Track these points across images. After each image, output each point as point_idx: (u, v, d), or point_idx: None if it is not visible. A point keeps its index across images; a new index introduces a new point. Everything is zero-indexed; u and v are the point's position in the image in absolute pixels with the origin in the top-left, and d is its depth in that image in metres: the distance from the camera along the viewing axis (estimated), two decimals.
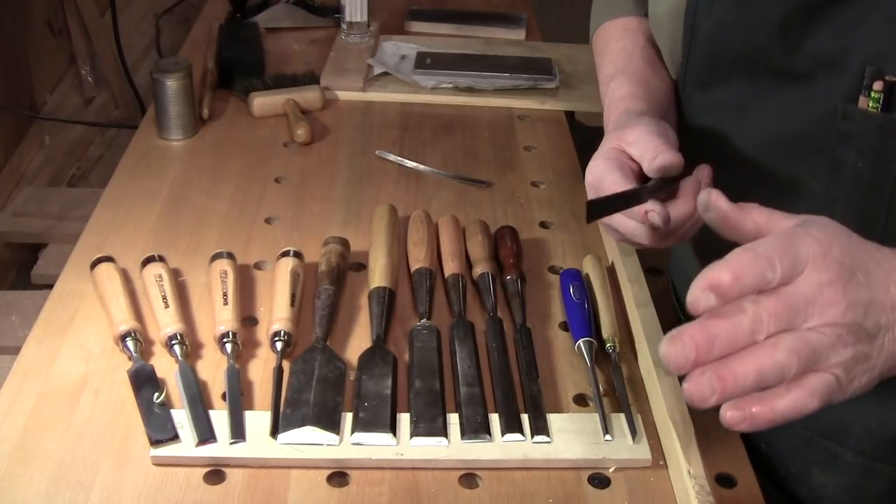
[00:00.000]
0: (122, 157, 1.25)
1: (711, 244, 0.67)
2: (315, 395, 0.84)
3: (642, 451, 0.82)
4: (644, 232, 0.81)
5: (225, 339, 0.90)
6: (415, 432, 0.82)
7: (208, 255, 1.01)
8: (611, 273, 1.04)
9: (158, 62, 1.31)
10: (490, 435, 0.83)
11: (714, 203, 0.66)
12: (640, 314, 0.94)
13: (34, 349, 0.91)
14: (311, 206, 1.16)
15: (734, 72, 0.85)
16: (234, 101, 1.40)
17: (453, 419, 0.84)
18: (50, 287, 1.00)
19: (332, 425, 0.82)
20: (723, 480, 0.82)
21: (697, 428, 0.80)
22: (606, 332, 0.94)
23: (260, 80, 1.41)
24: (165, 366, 0.89)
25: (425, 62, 1.50)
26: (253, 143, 1.30)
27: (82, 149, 2.04)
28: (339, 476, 0.80)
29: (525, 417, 0.84)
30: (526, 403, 0.86)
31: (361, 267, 1.04)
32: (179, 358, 0.89)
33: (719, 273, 0.58)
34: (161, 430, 0.81)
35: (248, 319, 0.96)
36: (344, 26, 1.59)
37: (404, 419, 0.84)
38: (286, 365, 0.89)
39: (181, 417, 0.83)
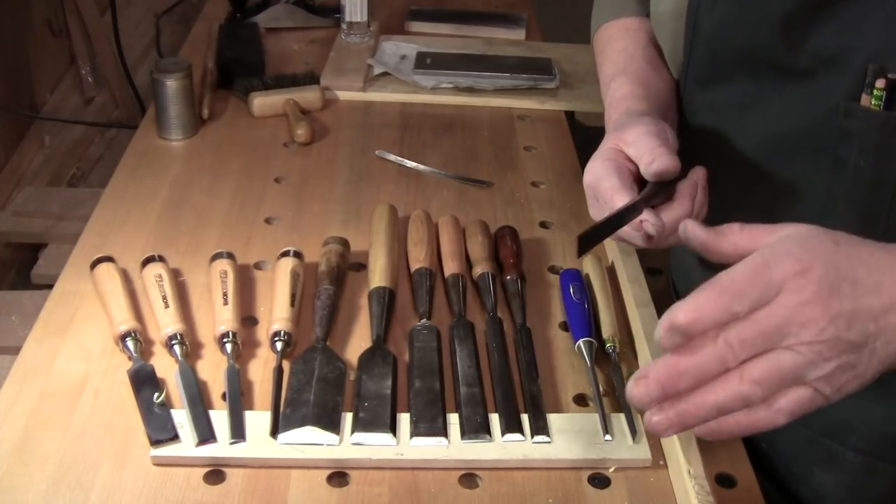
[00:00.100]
0: (122, 157, 1.25)
1: None
2: (315, 395, 0.84)
3: (642, 451, 0.82)
4: (640, 237, 0.81)
5: (225, 339, 0.90)
6: (415, 432, 0.82)
7: (208, 255, 1.01)
8: (611, 273, 1.04)
9: (158, 62, 1.31)
10: (490, 435, 0.82)
11: (691, 233, 0.68)
12: (640, 314, 0.94)
13: (34, 349, 0.91)
14: (311, 206, 1.16)
15: (736, 70, 0.85)
16: (234, 101, 1.40)
17: (453, 419, 0.84)
18: (50, 287, 1.00)
19: (332, 425, 0.82)
20: (723, 480, 0.82)
21: None
22: (606, 332, 0.93)
23: (260, 80, 1.41)
24: (165, 366, 0.89)
25: (425, 62, 1.50)
26: (253, 143, 1.30)
27: (82, 149, 2.04)
28: (339, 476, 0.80)
29: (525, 417, 0.84)
30: (526, 403, 0.86)
31: (361, 267, 1.04)
32: (179, 358, 0.88)
33: (683, 314, 0.59)
34: (161, 430, 0.81)
35: (248, 319, 0.96)
36: (344, 26, 1.59)
37: (404, 419, 0.84)
38: (286, 365, 0.88)
39: (181, 417, 0.83)
